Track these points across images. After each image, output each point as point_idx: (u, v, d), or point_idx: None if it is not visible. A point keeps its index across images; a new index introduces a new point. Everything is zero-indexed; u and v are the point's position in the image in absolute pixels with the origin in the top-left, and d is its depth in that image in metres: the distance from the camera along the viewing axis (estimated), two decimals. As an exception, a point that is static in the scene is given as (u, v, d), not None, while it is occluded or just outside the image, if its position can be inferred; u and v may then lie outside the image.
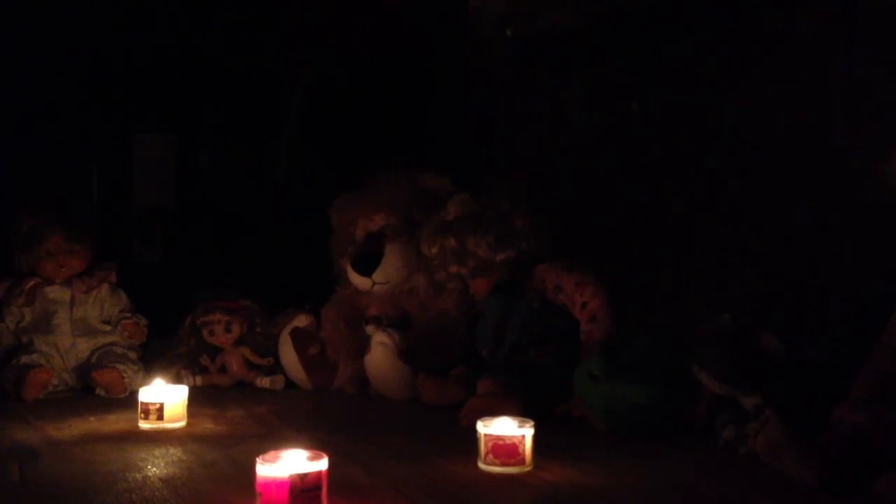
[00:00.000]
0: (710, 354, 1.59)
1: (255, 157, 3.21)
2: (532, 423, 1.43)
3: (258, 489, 1.16)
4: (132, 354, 2.25)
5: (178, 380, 2.18)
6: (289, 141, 3.22)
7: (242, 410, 1.97)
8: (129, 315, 2.29)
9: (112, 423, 1.81)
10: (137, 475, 1.39)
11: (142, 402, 1.76)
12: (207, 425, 1.80)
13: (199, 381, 2.28)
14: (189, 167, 3.22)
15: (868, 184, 1.54)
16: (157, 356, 2.33)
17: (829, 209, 1.94)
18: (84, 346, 2.24)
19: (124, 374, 2.14)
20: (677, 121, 2.34)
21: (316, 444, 1.28)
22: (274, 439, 1.62)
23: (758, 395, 1.53)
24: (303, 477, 1.14)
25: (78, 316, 2.26)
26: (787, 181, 2.04)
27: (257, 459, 1.17)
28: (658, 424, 1.69)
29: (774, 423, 1.35)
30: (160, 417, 1.75)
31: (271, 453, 1.19)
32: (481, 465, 1.41)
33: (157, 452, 1.55)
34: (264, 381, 2.30)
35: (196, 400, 1.89)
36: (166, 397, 1.76)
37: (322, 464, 1.17)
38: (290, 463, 1.17)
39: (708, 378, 1.59)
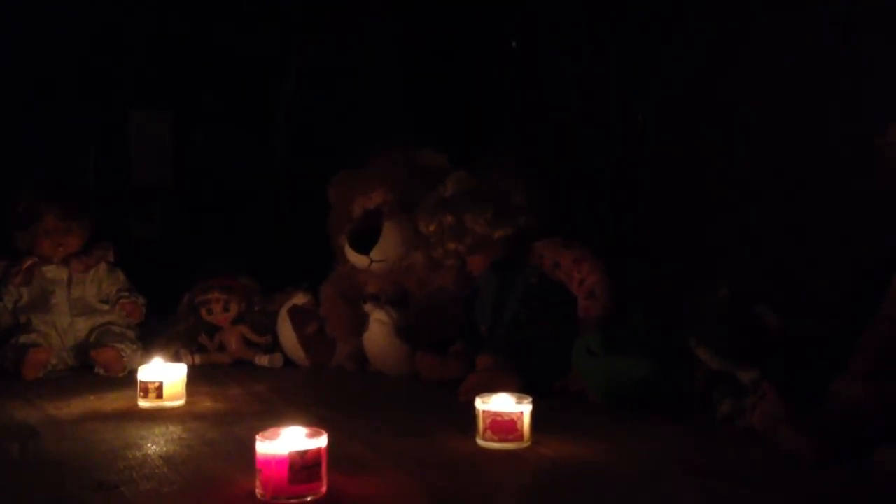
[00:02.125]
0: (708, 329, 1.60)
1: (252, 134, 3.20)
2: (530, 399, 1.44)
3: (258, 466, 1.16)
4: (130, 333, 2.25)
5: (176, 358, 2.18)
6: (286, 118, 3.20)
7: (241, 388, 1.98)
8: (126, 294, 2.29)
9: (111, 401, 1.81)
10: (137, 453, 1.40)
11: (141, 381, 1.77)
12: (207, 403, 1.80)
13: (197, 359, 2.28)
14: (186, 144, 3.21)
15: (867, 159, 1.54)
16: (155, 335, 2.33)
17: (827, 188, 1.94)
18: (82, 326, 2.24)
19: (123, 353, 2.14)
20: (676, 101, 2.32)
21: (315, 420, 1.29)
22: (273, 416, 1.63)
23: (755, 370, 1.53)
24: (302, 454, 1.15)
25: (76, 295, 2.25)
26: (788, 158, 2.03)
27: (257, 437, 1.17)
28: (656, 399, 1.69)
29: (771, 397, 1.36)
30: (159, 396, 1.75)
31: (271, 430, 1.19)
32: (480, 442, 1.42)
33: (156, 431, 1.55)
34: (263, 359, 2.30)
35: (195, 378, 1.89)
36: (165, 376, 1.77)
37: (321, 440, 1.18)
38: (289, 440, 1.17)
39: (706, 353, 1.59)
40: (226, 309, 2.36)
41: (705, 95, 2.25)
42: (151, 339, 2.29)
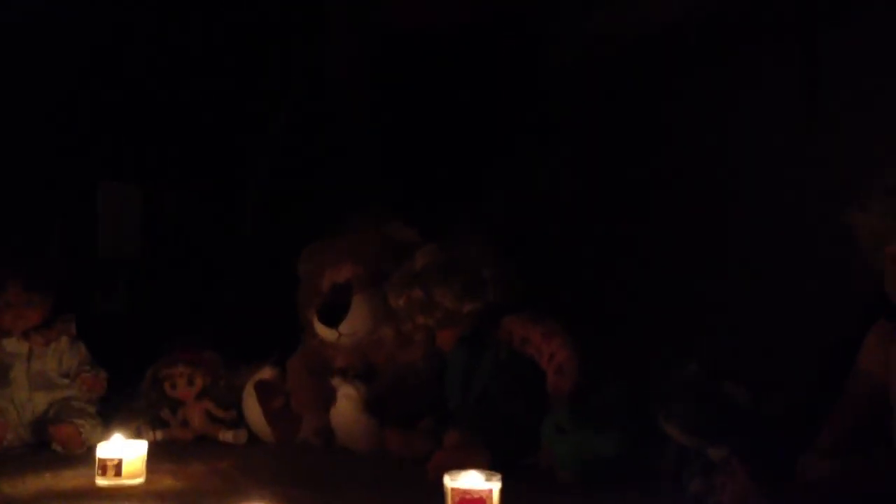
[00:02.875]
0: (677, 405, 1.60)
1: (221, 206, 3.20)
2: (499, 476, 1.42)
3: (219, 547, 1.13)
4: (90, 409, 2.19)
5: (137, 434, 2.13)
6: (257, 190, 3.21)
7: (204, 465, 1.93)
8: (88, 368, 2.24)
9: (69, 479, 1.76)
10: (94, 534, 1.35)
11: (99, 458, 1.72)
12: (167, 481, 1.75)
13: (159, 435, 2.23)
14: (155, 216, 3.20)
15: (834, 228, 1.57)
16: (116, 410, 2.27)
17: (793, 255, 1.98)
18: (41, 400, 2.18)
19: (81, 429, 2.08)
20: (647, 176, 2.37)
21: (280, 499, 1.26)
22: (236, 495, 1.58)
23: (725, 447, 1.53)
24: (266, 534, 1.12)
25: (35, 369, 2.20)
26: (757, 232, 2.07)
27: (219, 517, 1.14)
28: (626, 475, 1.68)
29: (741, 475, 1.35)
30: (118, 473, 1.70)
31: (233, 510, 1.16)
32: (449, 520, 1.39)
33: (114, 511, 1.50)
34: (227, 435, 2.26)
35: (156, 455, 1.84)
36: (125, 452, 1.72)
37: (286, 520, 1.15)
38: (252, 520, 1.14)
39: (675, 429, 1.59)
40: (190, 383, 2.32)
41: (677, 167, 2.30)
42: (112, 414, 2.24)
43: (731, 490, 1.36)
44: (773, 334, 2.02)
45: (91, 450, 1.87)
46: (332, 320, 2.27)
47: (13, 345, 2.20)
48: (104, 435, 1.93)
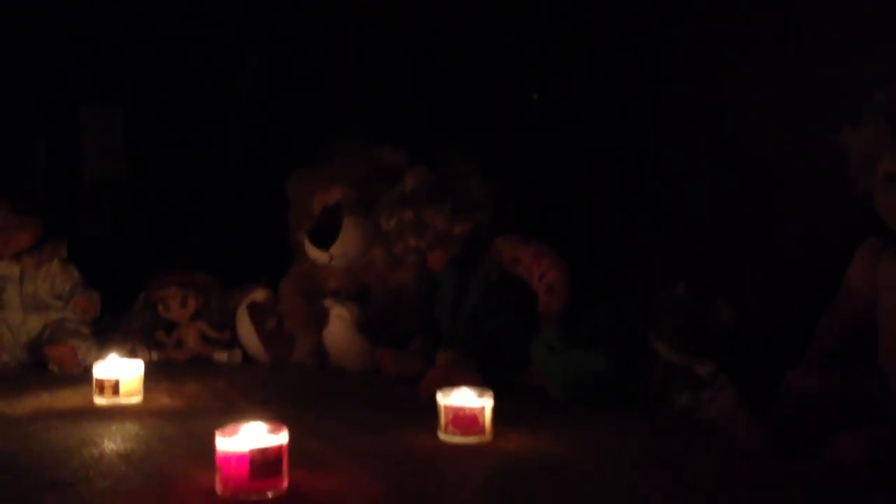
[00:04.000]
0: (666, 324, 1.62)
1: (208, 129, 3.16)
2: (491, 393, 1.44)
3: (218, 463, 1.15)
4: (85, 330, 2.21)
5: (132, 355, 2.15)
6: (242, 112, 3.17)
7: (200, 385, 1.96)
8: (81, 290, 2.24)
9: (66, 398, 1.78)
10: (94, 451, 1.37)
11: (96, 378, 1.74)
12: (164, 400, 1.78)
13: (154, 356, 2.25)
14: (139, 139, 3.16)
15: (825, 149, 1.57)
16: (110, 331, 2.29)
17: (783, 176, 1.98)
18: (35, 322, 2.19)
19: (78, 350, 2.10)
20: (643, 100, 2.35)
21: (276, 417, 1.27)
22: (233, 413, 1.61)
23: (712, 364, 1.56)
24: (263, 450, 1.14)
25: (28, 291, 2.21)
26: (748, 158, 2.07)
27: (216, 433, 1.16)
28: (615, 393, 1.71)
29: (727, 391, 1.38)
30: (116, 393, 1.72)
31: (230, 427, 1.18)
32: (441, 436, 1.42)
33: (113, 428, 1.53)
34: (222, 356, 2.28)
35: (152, 375, 1.87)
36: (121, 373, 1.74)
37: (282, 437, 1.17)
38: (249, 437, 1.16)
39: (663, 347, 1.62)
40: (183, 305, 2.33)
41: (672, 98, 2.27)
42: (106, 335, 2.26)
43: (717, 405, 1.39)
44: (763, 254, 2.04)
45: (87, 370, 1.89)
46: (324, 243, 2.27)
47: (5, 267, 2.20)
48: (99, 355, 1.95)
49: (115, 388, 1.72)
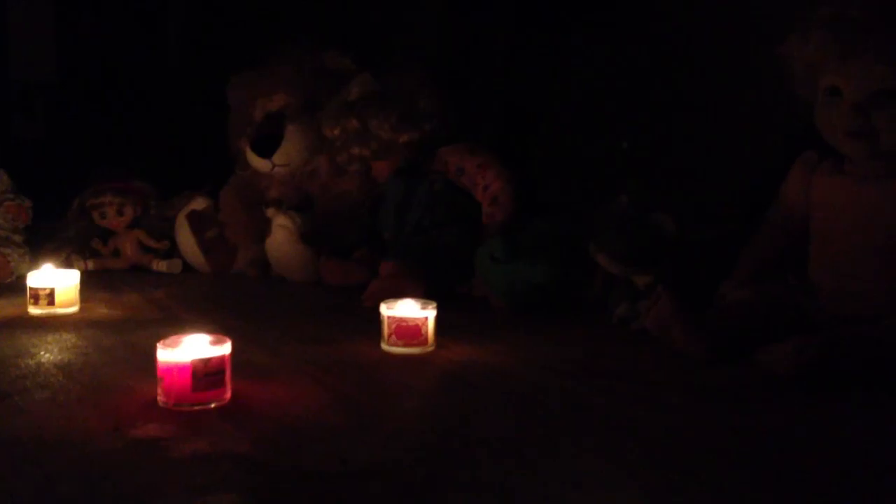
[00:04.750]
0: (607, 235, 1.64)
1: (146, 26, 3.02)
2: (434, 304, 1.45)
3: (160, 374, 1.14)
4: (17, 238, 2.14)
5: (68, 264, 2.10)
6: (182, 8, 3.03)
7: (138, 295, 1.93)
8: (11, 196, 2.17)
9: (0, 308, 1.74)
10: (31, 361, 1.35)
11: (31, 288, 1.70)
12: (102, 310, 1.75)
13: (90, 265, 2.21)
14: (71, 37, 3.01)
15: (765, 60, 1.57)
16: (44, 240, 2.23)
17: (723, 89, 1.98)
18: (-36, 230, 2.12)
19: (9, 258, 2.05)
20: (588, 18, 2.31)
21: (217, 327, 1.27)
22: (173, 324, 1.60)
23: (650, 274, 1.59)
24: (206, 361, 1.13)
25: (-45, 198, 2.13)
26: (683, 62, 2.06)
27: (158, 344, 1.15)
28: (556, 302, 1.74)
29: (664, 301, 1.41)
30: (51, 303, 1.69)
31: (172, 338, 1.16)
32: (385, 347, 1.43)
33: (49, 338, 1.50)
34: (161, 265, 2.25)
35: (89, 285, 1.83)
36: (57, 282, 1.70)
37: (225, 347, 1.16)
38: (191, 347, 1.15)
39: (604, 258, 1.64)
40: (120, 213, 2.28)
41: (616, 8, 2.24)
42: (40, 244, 2.20)
43: (654, 314, 1.42)
44: (705, 165, 2.06)
45: (20, 279, 1.84)
46: (266, 150, 2.22)
47: (-72, 173, 2.11)
48: (33, 265, 1.90)
49: (51, 297, 1.69)
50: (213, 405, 1.14)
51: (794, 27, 1.46)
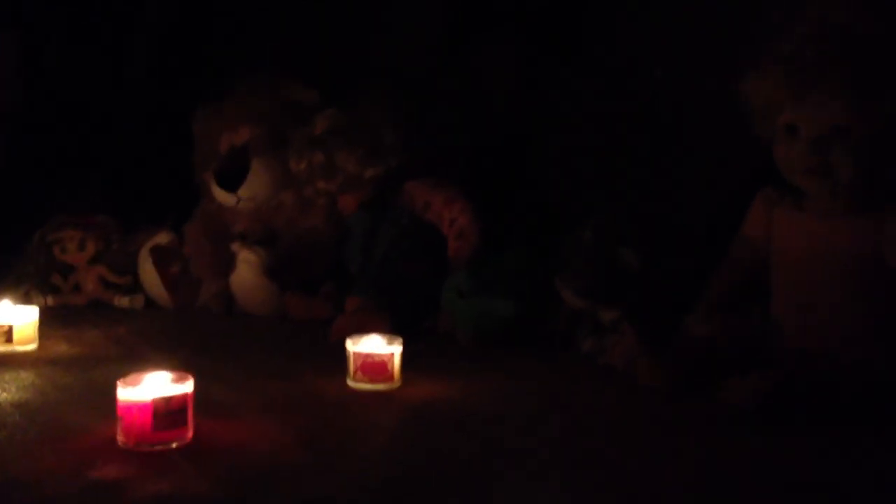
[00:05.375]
0: (572, 270, 1.65)
1: (109, 56, 3.00)
2: (400, 340, 1.45)
3: (119, 413, 1.12)
4: (-26, 273, 2.11)
5: (27, 300, 2.06)
6: (147, 39, 3.01)
7: (99, 331, 1.89)
8: (-31, 231, 2.13)
9: (-46, 346, 1.70)
10: (-14, 401, 1.32)
11: (-12, 324, 1.66)
12: (61, 347, 1.72)
13: (50, 300, 2.17)
14: (36, 66, 2.97)
15: (727, 96, 1.61)
16: (2, 275, 2.19)
17: (685, 124, 2.02)
18: (-81, 265, 2.08)
19: (-34, 295, 2.00)
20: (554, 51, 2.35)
21: (180, 364, 1.25)
22: (135, 361, 1.57)
23: (615, 310, 1.60)
24: (167, 399, 1.12)
25: (-90, 232, 2.08)
26: (646, 97, 2.10)
27: (118, 382, 1.13)
28: (522, 337, 1.74)
29: (629, 336, 1.43)
30: (9, 340, 1.65)
31: (132, 376, 1.15)
32: (350, 383, 1.42)
33: (6, 377, 1.47)
34: (123, 301, 2.21)
35: (48, 321, 1.80)
36: (15, 318, 1.67)
37: (187, 385, 1.15)
38: (153, 385, 1.13)
39: (569, 292, 1.65)
40: (81, 247, 2.24)
41: (579, 41, 2.28)
42: (-2, 279, 2.16)
43: (620, 350, 1.43)
44: (668, 199, 2.09)
45: (-23, 316, 1.80)
46: (231, 184, 2.21)
47: None
48: (-9, 301, 1.86)
49: (9, 334, 1.65)
50: (174, 445, 1.12)
51: (753, 65, 1.49)
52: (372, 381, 1.41)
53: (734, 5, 1.93)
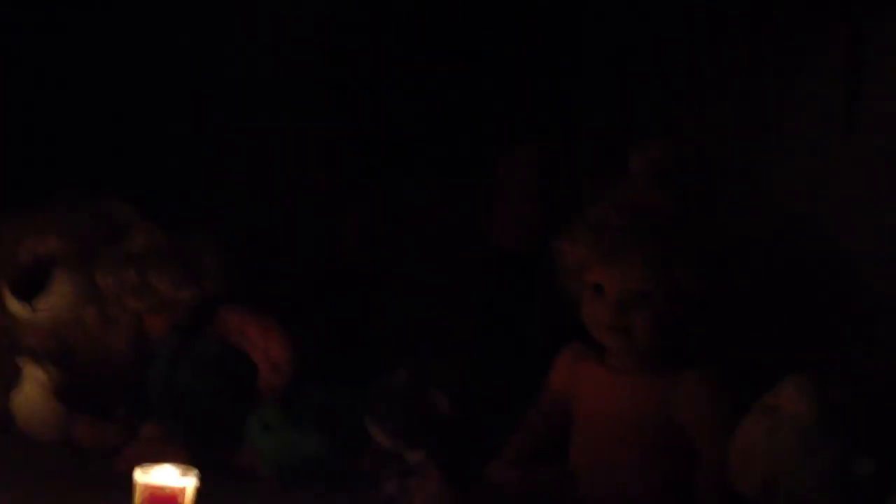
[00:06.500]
0: (382, 408, 1.65)
1: None
2: (196, 472, 1.37)
3: None
4: None
5: None
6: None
7: None
8: None
9: None
10: None
11: None
12: None
13: None
14: None
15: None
16: None
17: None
18: None
19: None
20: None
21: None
22: None
23: (422, 452, 1.60)
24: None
25: None
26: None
27: None
28: (327, 474, 1.70)
29: (434, 479, 1.42)
30: None
31: None
32: (136, 517, 1.32)
33: None
34: None
35: None
36: None
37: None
38: None
39: (377, 431, 1.64)
40: None
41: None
42: None
43: (423, 493, 1.42)
44: (485, 348, 2.15)
45: None
46: (28, 294, 2.08)
47: None
48: None
49: None
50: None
51: (567, 227, 1.60)
52: (159, 516, 1.31)
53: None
